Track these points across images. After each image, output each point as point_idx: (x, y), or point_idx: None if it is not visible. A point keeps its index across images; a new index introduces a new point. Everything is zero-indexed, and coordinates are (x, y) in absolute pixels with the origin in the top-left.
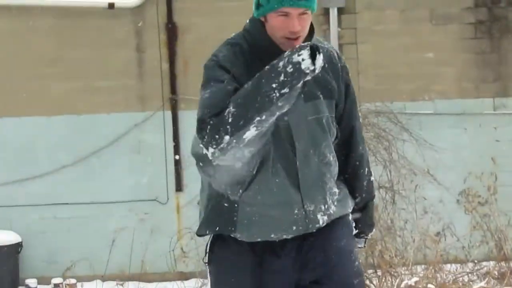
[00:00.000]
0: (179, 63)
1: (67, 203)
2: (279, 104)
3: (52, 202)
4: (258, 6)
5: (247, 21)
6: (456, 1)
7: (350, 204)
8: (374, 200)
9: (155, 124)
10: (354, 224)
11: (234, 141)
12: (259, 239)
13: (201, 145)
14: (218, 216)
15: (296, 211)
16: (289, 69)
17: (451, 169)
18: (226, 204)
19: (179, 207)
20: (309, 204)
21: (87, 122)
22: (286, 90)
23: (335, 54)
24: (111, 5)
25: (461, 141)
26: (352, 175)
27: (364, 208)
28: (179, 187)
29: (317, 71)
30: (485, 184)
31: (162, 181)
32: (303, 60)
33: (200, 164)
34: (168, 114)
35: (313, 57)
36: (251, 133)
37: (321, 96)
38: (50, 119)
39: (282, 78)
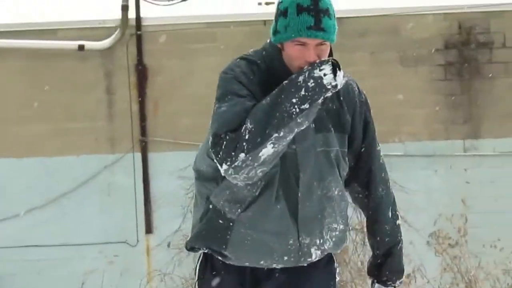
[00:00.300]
0: (149, 104)
1: (37, 245)
2: (299, 120)
3: (22, 244)
4: (275, 32)
5: (268, 40)
6: (426, 43)
7: (344, 245)
8: (403, 246)
9: (125, 166)
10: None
11: (250, 158)
12: (247, 264)
13: (215, 161)
14: (211, 231)
15: (290, 242)
16: (311, 83)
17: (422, 210)
18: (221, 221)
19: (149, 249)
20: (304, 237)
21: (58, 164)
22: (306, 105)
23: (355, 88)
24: (81, 47)
25: (432, 183)
26: (371, 217)
27: (390, 253)
28: (149, 229)
29: (339, 87)
30: (455, 225)
31: (132, 223)
32: (325, 75)
33: (201, 180)
34: (138, 156)
35: (334, 73)
36: (267, 150)
37: (332, 129)
38: (21, 161)
39: (303, 92)
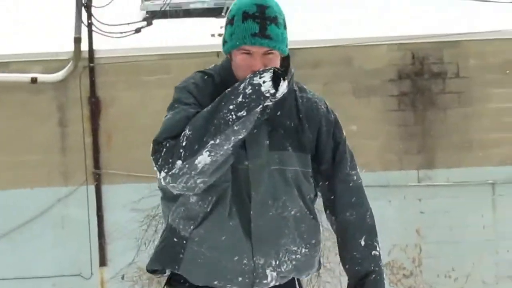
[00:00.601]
0: (102, 137)
1: None
2: (235, 127)
3: None
4: (224, 42)
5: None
6: (379, 73)
7: (309, 272)
8: (381, 278)
9: (79, 199)
10: None
11: (187, 166)
12: (200, 284)
13: (155, 168)
14: (166, 251)
15: (244, 262)
16: (248, 90)
17: None
18: (175, 239)
19: (103, 281)
20: (259, 257)
21: (11, 197)
22: (243, 112)
23: (321, 106)
24: (34, 80)
25: (386, 213)
26: (340, 244)
27: (362, 284)
28: (103, 262)
29: (278, 96)
30: (410, 256)
31: (86, 255)
32: (264, 82)
33: (165, 199)
34: (92, 188)
35: (277, 82)
36: (204, 158)
37: (289, 148)
38: None
39: (240, 99)
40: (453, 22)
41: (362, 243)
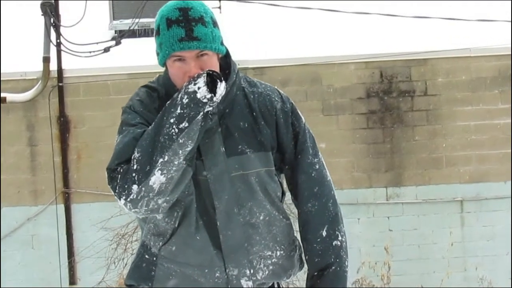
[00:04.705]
0: (72, 156)
1: None
2: (180, 141)
3: None
4: (157, 54)
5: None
6: (348, 91)
7: (290, 273)
8: (341, 270)
9: (48, 218)
10: None
11: (143, 189)
12: None
13: (115, 196)
14: (139, 268)
15: (217, 275)
16: (185, 100)
17: None
18: (147, 256)
19: None
20: (232, 268)
21: None
22: (184, 124)
23: (275, 98)
24: (3, 100)
25: (354, 231)
26: (301, 235)
27: (320, 275)
28: (72, 281)
29: (216, 100)
30: (378, 273)
31: (56, 275)
32: (198, 88)
33: (138, 216)
34: (61, 207)
35: (214, 84)
36: (157, 178)
37: (248, 151)
38: None
39: (179, 111)
40: (421, 40)
41: (324, 233)
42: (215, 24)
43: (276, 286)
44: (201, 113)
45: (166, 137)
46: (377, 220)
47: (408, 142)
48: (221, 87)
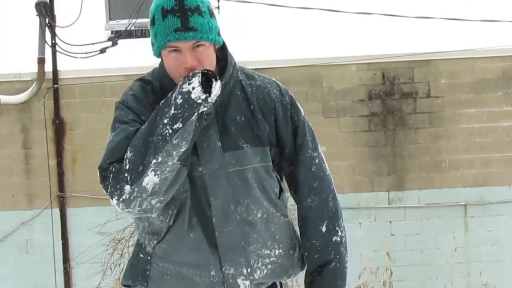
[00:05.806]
0: (67, 159)
1: None
2: (174, 142)
3: None
4: (152, 45)
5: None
6: (349, 93)
7: (290, 272)
8: (341, 266)
9: (43, 222)
10: None
11: (136, 189)
12: None
13: (107, 196)
14: (134, 267)
15: (213, 273)
16: (179, 100)
17: None
18: (142, 255)
19: None
20: (228, 267)
21: None
22: (179, 124)
23: (273, 91)
24: None
25: (356, 236)
26: (300, 232)
27: (319, 272)
28: (68, 287)
29: (211, 100)
30: (380, 279)
31: (51, 280)
32: (193, 88)
33: (132, 216)
34: (56, 211)
35: (209, 84)
36: (151, 179)
37: (245, 145)
38: None
39: (173, 111)
40: (424, 41)
41: (324, 229)
42: (211, 14)
43: (278, 285)
44: (196, 114)
45: (160, 138)
46: (379, 224)
47: (410, 145)
48: (216, 87)
